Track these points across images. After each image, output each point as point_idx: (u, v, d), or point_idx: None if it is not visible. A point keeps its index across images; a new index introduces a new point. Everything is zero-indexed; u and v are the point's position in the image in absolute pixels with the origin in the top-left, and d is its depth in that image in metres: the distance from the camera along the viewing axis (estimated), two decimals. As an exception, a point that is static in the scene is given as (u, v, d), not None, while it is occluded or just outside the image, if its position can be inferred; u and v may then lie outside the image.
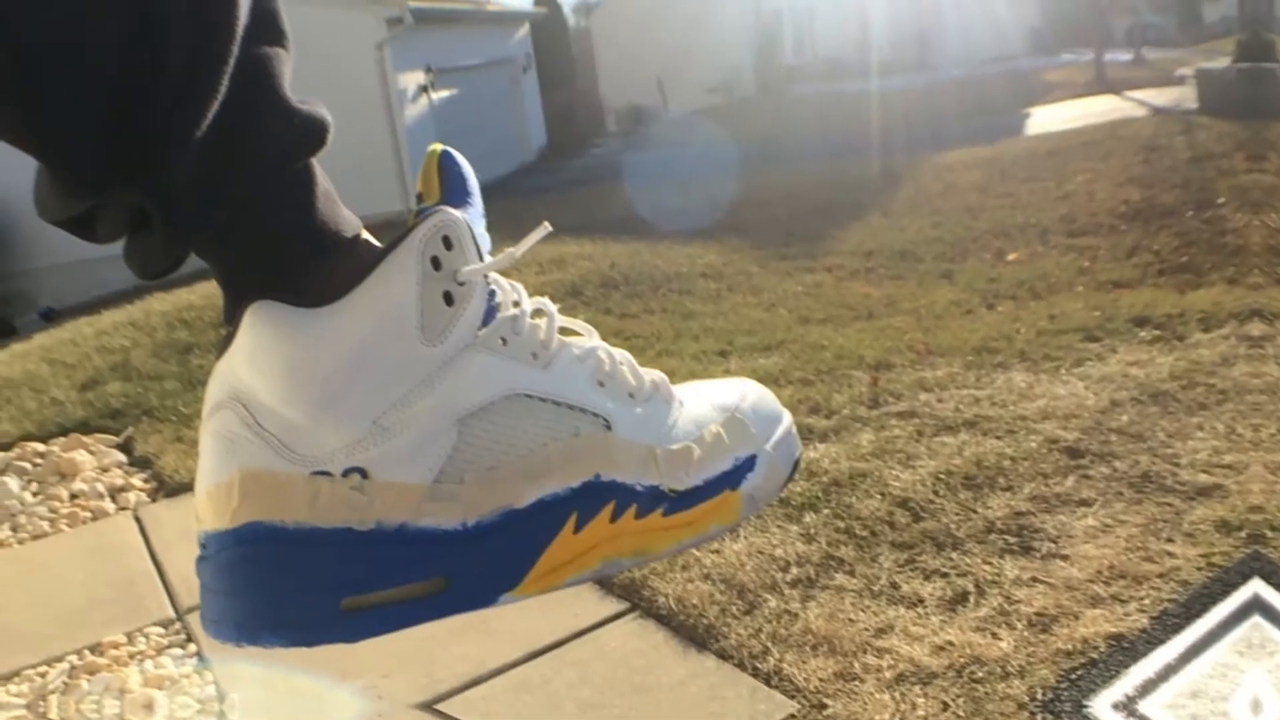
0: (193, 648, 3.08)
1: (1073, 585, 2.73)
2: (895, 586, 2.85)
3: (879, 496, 3.33)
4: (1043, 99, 19.45)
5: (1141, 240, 6.76)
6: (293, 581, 0.69)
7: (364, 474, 0.69)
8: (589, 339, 0.83)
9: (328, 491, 0.68)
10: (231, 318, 0.70)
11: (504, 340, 0.75)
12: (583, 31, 38.89)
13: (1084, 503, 3.16)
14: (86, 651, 3.12)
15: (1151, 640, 2.46)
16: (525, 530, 0.73)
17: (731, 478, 0.84)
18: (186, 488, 4.24)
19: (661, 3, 32.80)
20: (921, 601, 2.76)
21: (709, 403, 0.88)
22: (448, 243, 0.71)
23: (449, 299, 0.71)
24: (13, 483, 4.60)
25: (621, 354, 0.84)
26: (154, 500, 4.44)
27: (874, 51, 31.43)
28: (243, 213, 0.66)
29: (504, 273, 0.79)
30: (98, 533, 4.16)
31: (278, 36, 0.67)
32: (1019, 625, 2.59)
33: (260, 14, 0.65)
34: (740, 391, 0.90)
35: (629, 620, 2.88)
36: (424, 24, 18.12)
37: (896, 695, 2.38)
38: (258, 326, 0.67)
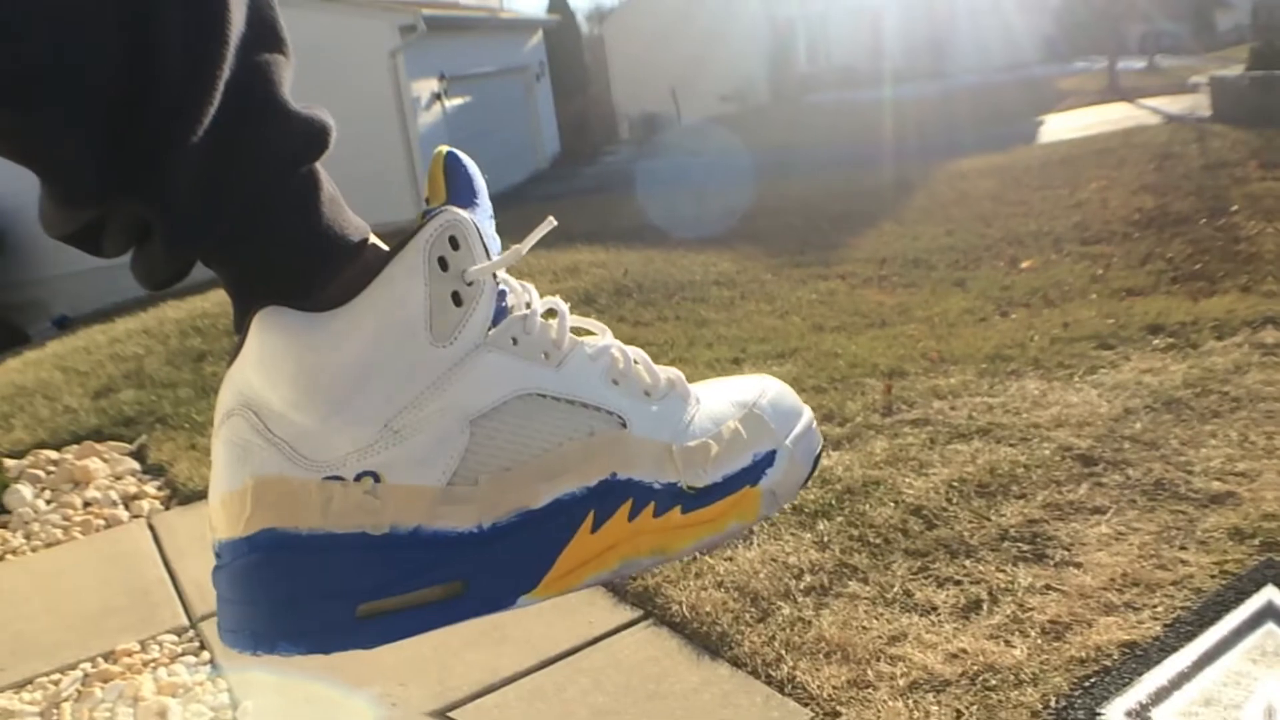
0: (206, 655, 3.08)
1: (1086, 593, 2.73)
2: (908, 594, 2.84)
3: (892, 504, 3.33)
4: (1056, 107, 19.44)
5: (1155, 248, 6.74)
6: (307, 588, 0.68)
7: (376, 478, 0.68)
8: (602, 337, 0.82)
9: (340, 496, 0.68)
10: (241, 325, 0.70)
11: (515, 340, 0.74)
12: (596, 39, 38.94)
13: (1097, 510, 3.16)
14: (100, 659, 3.12)
15: (1165, 648, 2.46)
16: (542, 531, 0.73)
17: (751, 474, 0.83)
18: (200, 495, 4.25)
19: (675, 11, 32.80)
20: (935, 609, 2.76)
21: (727, 399, 0.87)
22: (454, 243, 0.71)
23: (458, 299, 0.71)
24: (26, 490, 4.61)
25: (636, 352, 0.83)
26: (167, 508, 4.44)
27: (887, 60, 31.49)
28: (247, 220, 0.66)
29: (515, 274, 0.79)
30: (111, 540, 4.16)
31: (278, 44, 0.67)
32: (1032, 633, 2.58)
33: (259, 22, 0.66)
34: (759, 388, 0.90)
35: (642, 628, 2.88)
36: (437, 31, 18.14)
37: (910, 703, 2.38)
38: (266, 333, 0.67)
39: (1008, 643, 2.56)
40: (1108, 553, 2.91)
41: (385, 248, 0.72)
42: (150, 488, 4.67)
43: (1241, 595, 2.62)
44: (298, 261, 0.69)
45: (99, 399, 6.13)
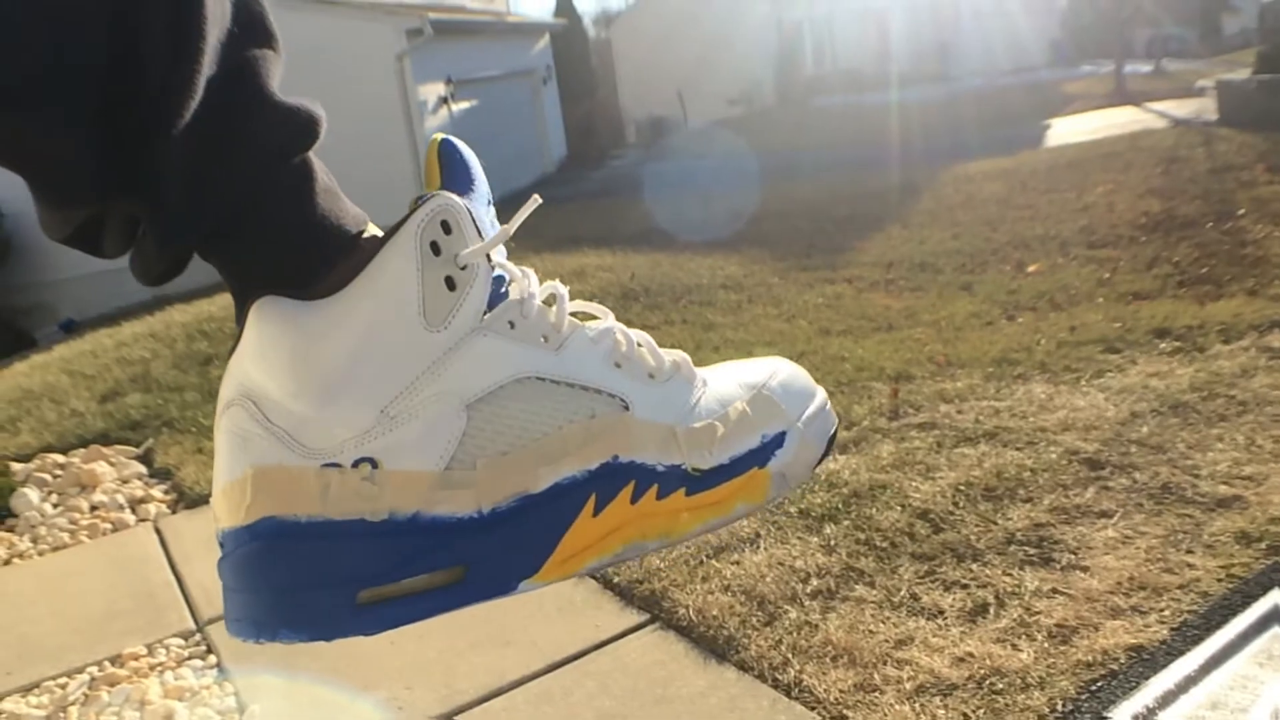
0: (213, 659, 3.09)
1: (1093, 597, 2.72)
2: (915, 598, 2.84)
3: (899, 508, 3.33)
4: (1062, 110, 19.41)
5: (1162, 252, 6.73)
6: (307, 575, 0.69)
7: (374, 464, 0.69)
8: (605, 320, 0.82)
9: (338, 483, 0.68)
10: (240, 317, 0.71)
11: (512, 324, 0.74)
12: (603, 43, 38.92)
13: (1104, 514, 3.15)
14: (107, 663, 3.13)
15: (1171, 651, 2.45)
16: (542, 515, 0.73)
17: (759, 455, 0.82)
18: (207, 499, 4.22)
19: (682, 14, 32.83)
20: (942, 613, 2.75)
21: (736, 381, 0.86)
22: (446, 227, 0.71)
23: (451, 284, 0.71)
24: (33, 494, 4.61)
25: (640, 335, 0.83)
26: (174, 512, 4.45)
27: (894, 63, 31.50)
28: (237, 213, 0.66)
29: (515, 260, 0.79)
30: (118, 544, 4.17)
31: (266, 39, 0.68)
32: (1039, 637, 2.58)
33: (246, 19, 0.66)
34: (770, 369, 0.89)
35: (649, 631, 2.88)
36: (444, 35, 18.15)
37: (917, 706, 2.38)
38: (263, 323, 0.68)
39: (1014, 646, 2.55)
40: (1114, 556, 2.91)
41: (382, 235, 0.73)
42: (157, 491, 4.68)
43: (1248, 599, 2.62)
44: (292, 252, 0.69)
45: (106, 403, 6.14)
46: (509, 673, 2.75)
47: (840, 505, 3.39)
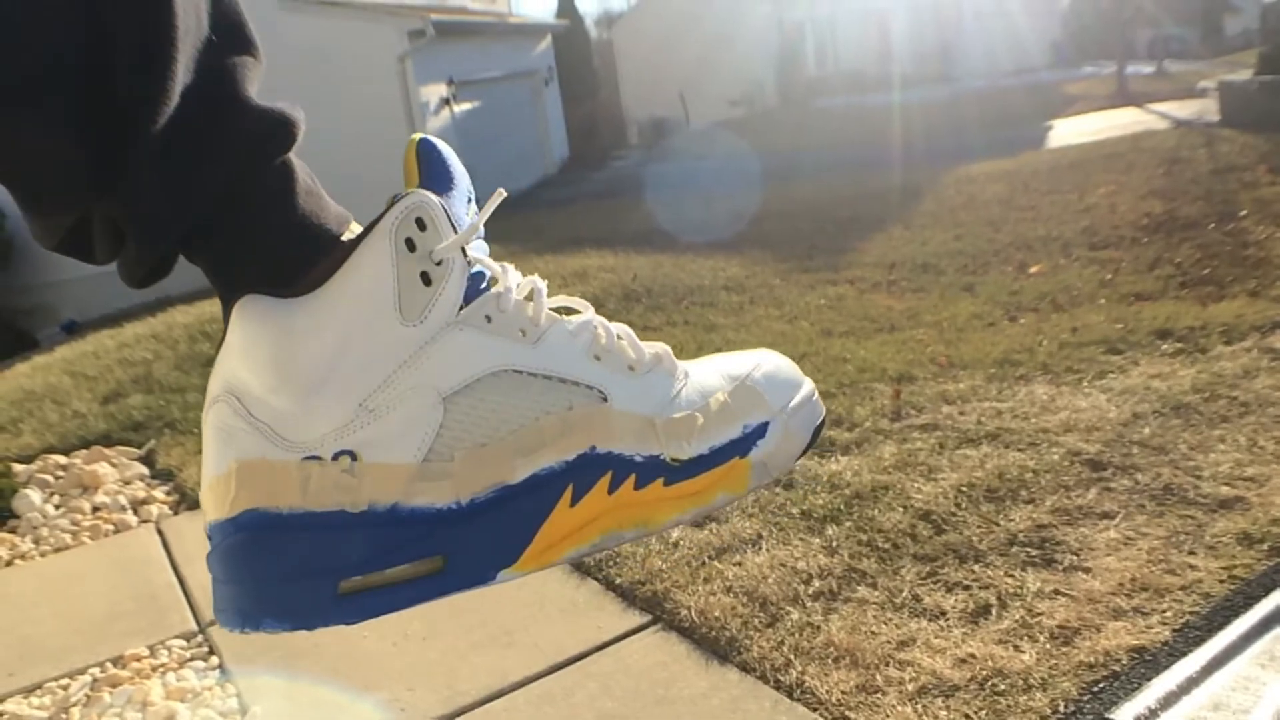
0: (215, 660, 3.09)
1: (1095, 598, 2.72)
2: (917, 599, 2.84)
3: (901, 509, 3.33)
4: (1064, 111, 19.42)
5: (1163, 253, 6.73)
6: (289, 566, 0.70)
7: (354, 456, 0.70)
8: (585, 313, 0.83)
9: (318, 475, 0.70)
10: (226, 316, 0.72)
11: (489, 318, 0.75)
12: (605, 44, 38.94)
13: (1106, 515, 3.15)
14: (109, 664, 3.13)
15: (1173, 653, 2.45)
16: (520, 505, 0.74)
17: (740, 445, 0.83)
18: (208, 500, 4.25)
19: (684, 15, 32.83)
20: (944, 614, 2.75)
21: (719, 373, 0.87)
22: (421, 224, 0.73)
23: (426, 279, 0.73)
24: (35, 495, 4.62)
25: (620, 328, 0.84)
26: (176, 513, 4.45)
27: (896, 64, 31.50)
28: (218, 212, 0.67)
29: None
30: (120, 545, 4.17)
31: (245, 46, 0.70)
32: (1041, 638, 2.58)
33: (223, 26, 0.68)
34: (754, 361, 0.90)
35: (651, 633, 2.88)
36: (446, 36, 18.14)
37: (919, 708, 2.38)
38: (245, 321, 0.69)
39: (1016, 648, 2.55)
40: (1116, 557, 2.91)
41: None
42: (159, 492, 4.68)
43: (1250, 600, 2.62)
44: (273, 252, 0.71)
45: (108, 404, 6.15)
46: (511, 674, 2.75)
47: (842, 506, 3.39)
